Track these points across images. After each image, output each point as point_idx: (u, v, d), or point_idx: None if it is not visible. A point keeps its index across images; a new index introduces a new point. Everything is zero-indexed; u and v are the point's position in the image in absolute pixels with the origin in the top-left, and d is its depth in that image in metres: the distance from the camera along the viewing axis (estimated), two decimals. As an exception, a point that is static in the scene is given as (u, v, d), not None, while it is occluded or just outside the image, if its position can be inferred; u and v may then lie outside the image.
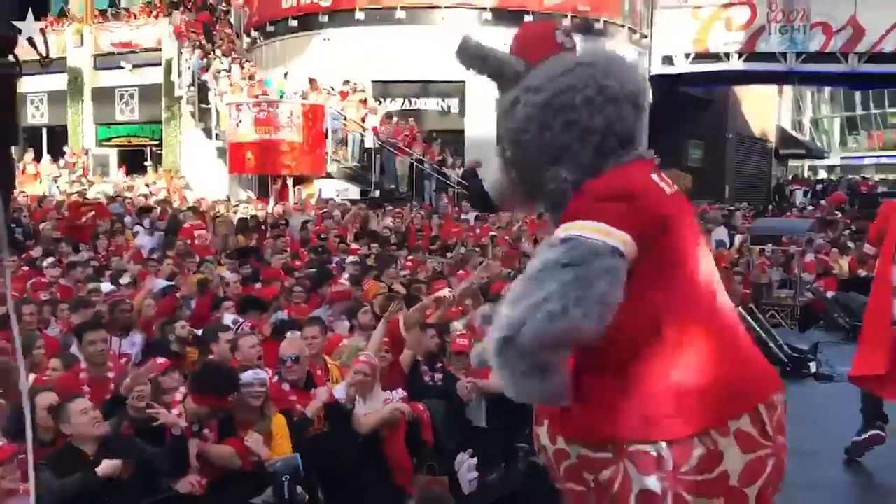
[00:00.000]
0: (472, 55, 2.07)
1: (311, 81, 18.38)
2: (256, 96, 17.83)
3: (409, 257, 10.50)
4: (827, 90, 47.02)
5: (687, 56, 21.20)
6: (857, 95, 46.94)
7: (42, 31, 1.86)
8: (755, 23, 19.91)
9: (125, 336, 5.60)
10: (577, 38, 2.08)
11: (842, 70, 19.63)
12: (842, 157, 48.81)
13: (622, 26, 20.91)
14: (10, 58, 1.64)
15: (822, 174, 37.33)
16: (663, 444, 1.76)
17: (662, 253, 1.79)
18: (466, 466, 5.34)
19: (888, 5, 18.59)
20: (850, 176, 32.67)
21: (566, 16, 19.87)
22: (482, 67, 2.07)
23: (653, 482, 1.77)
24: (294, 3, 20.59)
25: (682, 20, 21.09)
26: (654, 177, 1.91)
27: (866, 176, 33.71)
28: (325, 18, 20.03)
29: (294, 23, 20.60)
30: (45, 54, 1.71)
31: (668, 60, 21.18)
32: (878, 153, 48.62)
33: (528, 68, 1.99)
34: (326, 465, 4.29)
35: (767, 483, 1.80)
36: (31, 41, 1.69)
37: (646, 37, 21.58)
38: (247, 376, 4.04)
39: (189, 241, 10.52)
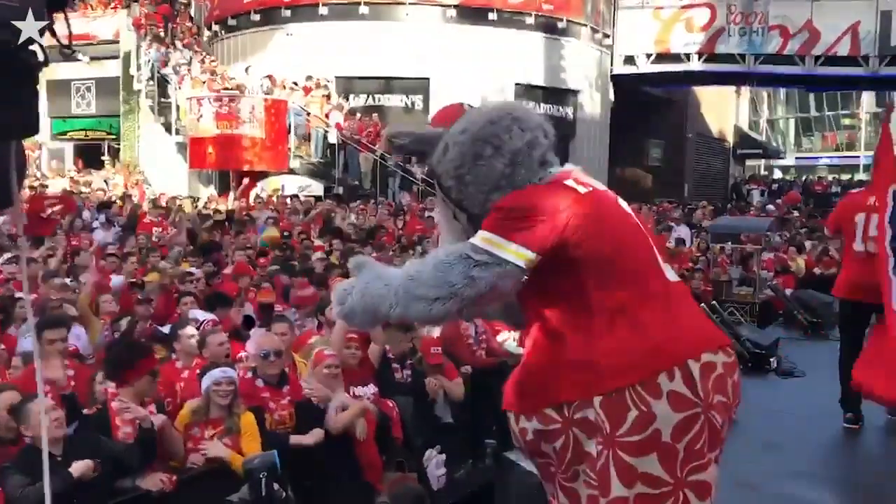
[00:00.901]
0: (401, 144, 2.28)
1: (271, 77, 18.19)
2: (217, 91, 17.59)
3: (374, 254, 10.46)
4: (782, 92, 48.04)
5: (648, 56, 21.46)
6: (812, 98, 48.02)
7: (65, 16, 1.83)
8: (714, 24, 20.22)
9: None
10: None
11: (798, 72, 20.03)
12: (797, 158, 49.94)
13: (584, 26, 21.07)
14: (36, 47, 1.61)
15: (778, 174, 38.09)
16: (599, 409, 1.93)
17: (585, 252, 1.98)
18: (435, 463, 5.34)
19: (842, 10, 19.04)
20: (804, 176, 33.40)
21: (530, 14, 20.01)
22: (413, 145, 2.28)
23: (592, 446, 1.96)
24: (256, -4, 20.38)
25: (644, 21, 21.33)
26: (569, 182, 2.07)
27: (821, 176, 34.52)
28: (288, 13, 19.85)
29: (256, 17, 20.38)
30: (68, 44, 1.68)
31: (629, 60, 21.41)
32: (831, 154, 49.86)
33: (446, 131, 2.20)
34: (297, 462, 4.26)
35: (697, 437, 1.92)
36: (51, 30, 1.65)
37: (608, 36, 21.77)
38: (215, 374, 3.98)
39: (148, 237, 10.38)
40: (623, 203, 2.18)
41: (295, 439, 4.37)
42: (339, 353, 5.02)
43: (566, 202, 1.99)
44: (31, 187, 17.39)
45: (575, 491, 2.03)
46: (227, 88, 17.63)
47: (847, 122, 50.06)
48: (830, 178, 31.12)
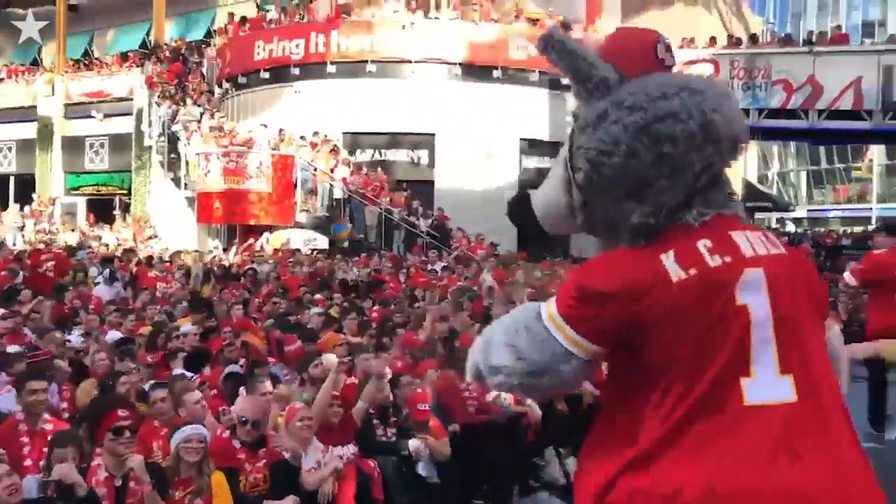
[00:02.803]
0: (559, 49, 1.73)
1: (281, 133, 18.50)
2: (225, 146, 17.88)
3: (375, 307, 10.44)
4: (793, 145, 48.21)
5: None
6: (822, 150, 48.17)
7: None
8: (719, 80, 20.47)
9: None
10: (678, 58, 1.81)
11: (803, 126, 20.10)
12: (808, 210, 49.86)
13: (589, 81, 21.32)
14: None
15: (791, 227, 37.99)
16: None
17: (642, 353, 1.61)
18: (419, 525, 5.24)
19: (843, 65, 19.18)
20: (816, 228, 33.31)
21: (534, 71, 20.28)
22: (567, 64, 1.73)
23: None
24: (266, 56, 20.78)
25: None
26: (666, 258, 1.62)
27: (832, 228, 34.40)
28: (297, 71, 20.23)
29: (266, 75, 20.78)
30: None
31: (634, 115, 21.64)
32: (842, 206, 49.77)
33: (621, 80, 1.70)
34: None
35: None
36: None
37: (613, 92, 22.01)
38: (186, 431, 3.94)
39: (153, 292, 10.44)
40: (771, 277, 1.62)
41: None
42: (322, 410, 4.98)
43: (644, 290, 1.59)
44: (42, 242, 17.65)
45: None
46: (234, 144, 17.90)
47: (858, 174, 50.07)
48: (842, 230, 31.02)
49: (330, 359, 5.87)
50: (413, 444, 5.42)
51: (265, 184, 17.34)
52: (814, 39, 22.55)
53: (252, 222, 17.27)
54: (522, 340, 1.66)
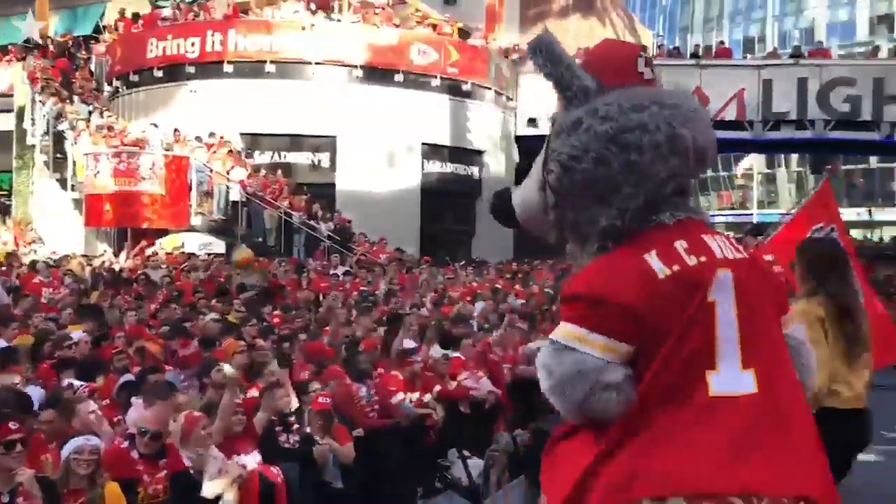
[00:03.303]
0: (546, 54, 1.82)
1: (175, 132, 17.94)
2: (116, 146, 17.18)
3: (275, 312, 10.27)
4: (679, 153, 50.38)
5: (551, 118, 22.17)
6: (707, 159, 50.55)
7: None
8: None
9: None
10: (659, 72, 1.90)
11: (690, 135, 21.09)
12: (694, 216, 52.22)
13: (489, 89, 21.65)
14: None
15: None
16: None
17: (640, 350, 1.69)
18: (324, 530, 5.20)
19: (728, 77, 20.28)
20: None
21: (435, 77, 20.44)
22: (552, 71, 1.82)
23: None
24: (160, 54, 20.10)
25: (547, 84, 22.00)
26: (651, 257, 1.70)
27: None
28: (192, 70, 19.67)
29: (159, 73, 20.10)
30: None
31: (532, 122, 22.07)
32: (726, 212, 52.42)
33: (600, 90, 1.79)
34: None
35: None
36: None
37: (511, 99, 22.43)
38: (77, 441, 3.79)
39: (37, 299, 9.92)
40: (739, 275, 1.72)
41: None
42: (226, 420, 4.87)
43: (641, 289, 1.67)
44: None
45: None
46: (125, 144, 17.23)
47: (740, 181, 52.84)
48: (726, 234, 32.60)
49: (229, 369, 5.76)
50: (317, 449, 5.38)
51: (158, 185, 16.75)
52: (700, 53, 23.72)
53: (145, 225, 16.65)
54: (563, 382, 1.68)
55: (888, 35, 45.12)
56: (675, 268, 1.69)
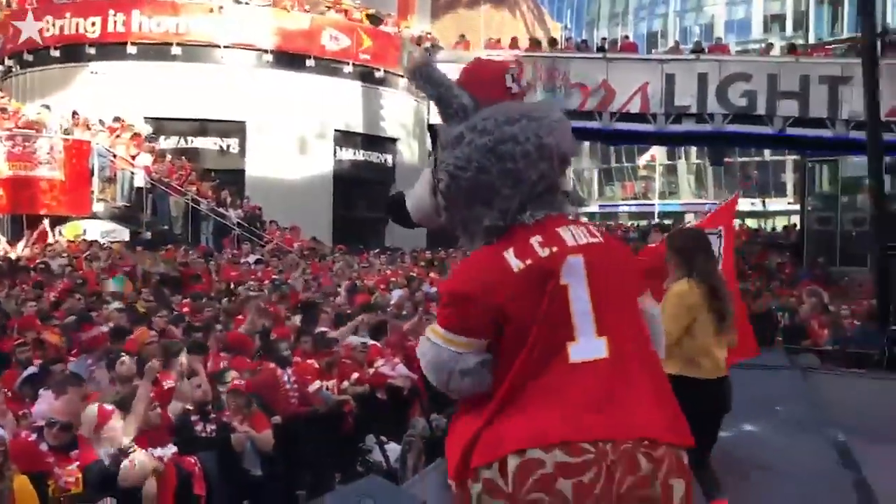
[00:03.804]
0: (426, 78, 2.06)
1: (75, 115, 17.19)
2: (10, 129, 16.32)
3: (185, 301, 10.03)
4: (586, 145, 51.68)
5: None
6: (612, 150, 52.01)
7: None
8: (523, 80, 21.44)
9: None
10: (524, 84, 2.18)
11: (597, 127, 21.57)
12: (600, 205, 53.72)
13: (401, 76, 21.64)
14: None
15: (585, 220, 40.68)
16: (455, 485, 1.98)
17: (504, 334, 1.95)
18: (242, 519, 5.17)
19: (633, 71, 20.81)
20: (608, 222, 35.95)
21: (347, 63, 20.28)
22: (433, 92, 2.06)
23: None
24: (57, 33, 19.22)
25: (458, 73, 22.24)
26: (508, 254, 1.95)
27: (621, 222, 37.30)
28: (93, 51, 18.88)
29: (56, 53, 19.20)
30: None
31: (445, 111, 22.24)
32: (630, 202, 54.11)
33: (476, 106, 2.04)
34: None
35: None
36: None
37: (424, 87, 22.46)
38: (-20, 435, 3.64)
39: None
40: (590, 258, 1.98)
41: (83, 508, 4.07)
42: (142, 413, 4.76)
43: (496, 284, 1.93)
44: None
45: None
46: (20, 127, 16.39)
47: (643, 172, 54.58)
48: (630, 223, 33.70)
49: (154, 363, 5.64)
50: (235, 437, 5.33)
51: (57, 171, 16.03)
52: (606, 46, 24.32)
53: (43, 212, 15.89)
54: (429, 368, 2.02)
55: (780, 33, 47.41)
56: (528, 261, 1.94)
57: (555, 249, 1.97)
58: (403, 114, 21.94)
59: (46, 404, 4.41)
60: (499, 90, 2.07)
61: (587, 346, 1.92)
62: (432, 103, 2.12)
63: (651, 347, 2.06)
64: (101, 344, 6.22)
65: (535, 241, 1.97)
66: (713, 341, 3.88)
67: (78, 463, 4.14)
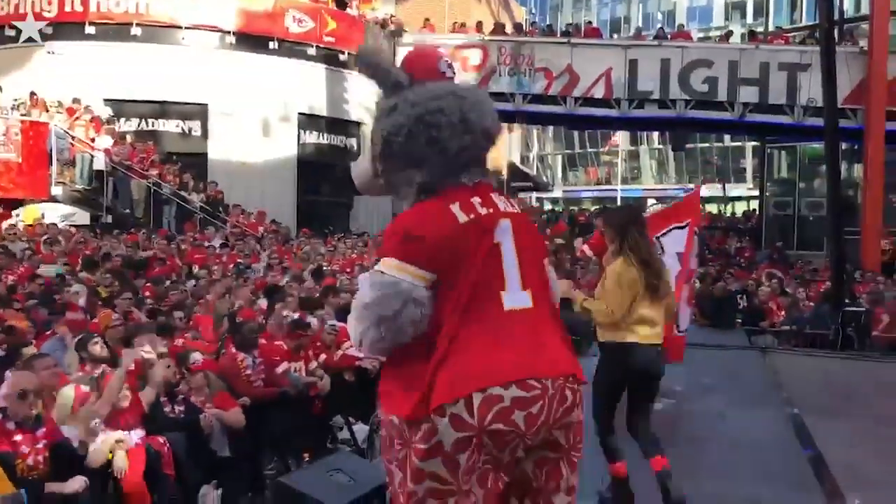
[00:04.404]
0: (368, 62, 2.39)
1: (33, 96, 16.82)
2: (-36, 110, 15.93)
3: (148, 284, 9.94)
4: (551, 130, 51.92)
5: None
6: (576, 135, 52.32)
7: None
8: (487, 65, 21.43)
9: None
10: (456, 70, 2.48)
11: (561, 111, 21.71)
12: (564, 190, 54.04)
13: (366, 59, 21.50)
14: None
15: (548, 205, 40.94)
16: (400, 420, 2.18)
17: (450, 280, 2.18)
18: (211, 498, 5.19)
19: (597, 56, 20.98)
20: (571, 207, 36.20)
21: (311, 45, 20.10)
22: (373, 71, 2.36)
23: (394, 450, 2.22)
24: (11, 11, 18.73)
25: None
26: (454, 207, 2.22)
27: (584, 207, 37.58)
28: (50, 30, 18.45)
29: (11, 32, 18.72)
30: None
31: (410, 94, 22.17)
32: (593, 187, 54.52)
33: (411, 83, 2.32)
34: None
35: (473, 454, 2.15)
36: None
37: (389, 71, 22.35)
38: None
39: None
40: (514, 224, 2.29)
41: (52, 486, 4.06)
42: (115, 395, 4.74)
43: (445, 230, 2.19)
44: None
45: (392, 473, 2.28)
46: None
47: (606, 158, 55.02)
48: (593, 208, 33.95)
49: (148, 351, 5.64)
50: (203, 418, 5.34)
51: (13, 153, 15.69)
52: (570, 31, 24.42)
53: (-1, 195, 15.59)
54: (372, 305, 2.17)
55: (741, 21, 48.01)
56: (472, 216, 2.23)
57: (491, 210, 2.27)
58: (368, 97, 21.79)
59: (12, 379, 4.36)
60: (432, 72, 2.36)
61: (516, 297, 2.24)
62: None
63: (555, 300, 2.44)
64: (77, 328, 6.17)
65: (475, 200, 2.27)
66: (649, 310, 4.08)
67: (45, 441, 4.12)
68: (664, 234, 7.09)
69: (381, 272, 2.19)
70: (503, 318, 2.20)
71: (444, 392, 2.12)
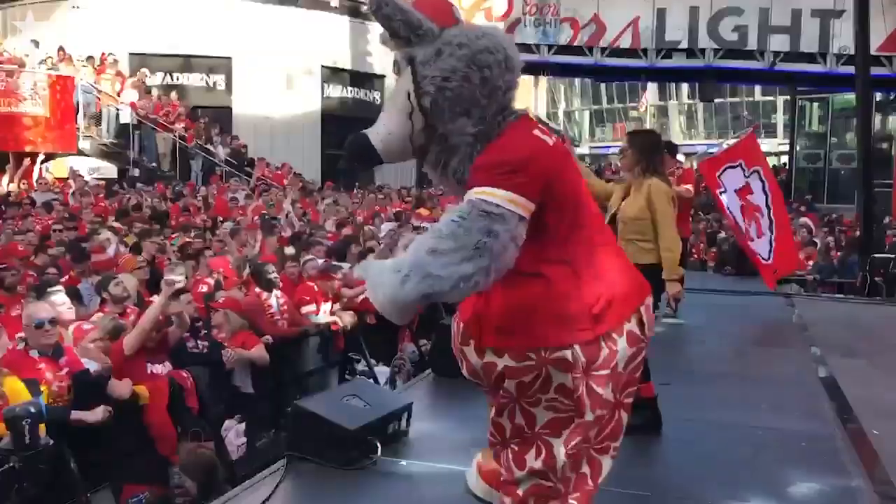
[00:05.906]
0: (393, 7, 2.13)
1: (60, 50, 16.91)
2: (-8, 64, 16.08)
3: (173, 235, 10.05)
4: (577, 85, 51.20)
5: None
6: (603, 91, 51.54)
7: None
8: (512, 15, 21.12)
9: None
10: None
11: (587, 62, 21.37)
12: (591, 147, 53.44)
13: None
14: None
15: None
16: (577, 348, 2.12)
17: (558, 201, 2.14)
18: (234, 432, 5.31)
19: (624, 5, 20.54)
20: (599, 163, 35.86)
21: (333, -5, 19.92)
22: (402, 18, 2.13)
23: (569, 379, 2.15)
24: (37, -34, 18.80)
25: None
26: (537, 132, 2.15)
27: (612, 162, 37.21)
28: (75, -16, 18.52)
29: (37, -13, 18.83)
30: None
31: (434, 47, 21.97)
32: (621, 143, 53.75)
33: (439, 31, 2.17)
34: (81, 437, 4.06)
35: (638, 366, 2.29)
36: None
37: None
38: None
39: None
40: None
41: (77, 415, 4.16)
42: (147, 333, 4.79)
43: (540, 153, 2.11)
44: None
45: (533, 414, 2.21)
46: (3, 62, 16.12)
47: (634, 113, 54.23)
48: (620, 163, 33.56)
49: (129, 280, 5.71)
50: (226, 353, 5.42)
51: (41, 107, 15.84)
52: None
53: (28, 149, 15.75)
54: (491, 242, 1.99)
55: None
56: (551, 141, 2.17)
57: (554, 139, 2.20)
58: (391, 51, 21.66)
59: (29, 311, 4.45)
60: (450, 17, 2.23)
61: (598, 229, 2.28)
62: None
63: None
64: (106, 268, 6.28)
65: (538, 130, 2.17)
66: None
67: (67, 369, 4.22)
68: (722, 172, 7.80)
69: (497, 204, 2.01)
70: (596, 248, 2.23)
71: (616, 313, 2.17)
